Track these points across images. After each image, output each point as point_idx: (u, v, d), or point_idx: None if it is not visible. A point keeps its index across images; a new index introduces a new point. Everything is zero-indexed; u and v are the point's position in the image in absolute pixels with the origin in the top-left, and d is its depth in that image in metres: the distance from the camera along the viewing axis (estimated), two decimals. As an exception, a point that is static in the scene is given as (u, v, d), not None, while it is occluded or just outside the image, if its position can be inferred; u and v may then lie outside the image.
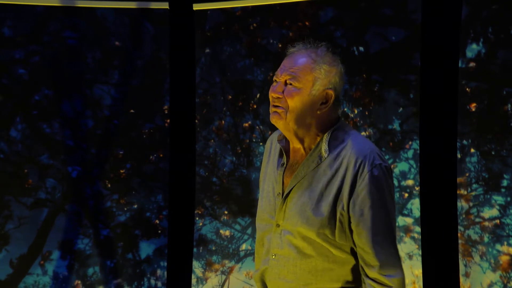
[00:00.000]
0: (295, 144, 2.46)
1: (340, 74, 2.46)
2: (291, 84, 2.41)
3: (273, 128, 4.52)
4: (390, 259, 2.35)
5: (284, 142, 2.50)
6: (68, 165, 4.79)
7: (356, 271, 2.40)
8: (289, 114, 2.40)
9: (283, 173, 2.46)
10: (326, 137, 2.42)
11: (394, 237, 2.38)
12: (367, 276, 2.36)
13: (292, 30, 4.60)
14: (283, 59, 2.48)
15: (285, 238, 2.40)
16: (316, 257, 2.37)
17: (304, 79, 2.41)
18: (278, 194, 2.44)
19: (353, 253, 2.40)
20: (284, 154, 2.47)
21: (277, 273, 2.42)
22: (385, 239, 2.35)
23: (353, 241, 2.38)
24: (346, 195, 2.35)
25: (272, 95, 2.43)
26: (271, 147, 2.57)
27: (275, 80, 2.45)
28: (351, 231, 2.37)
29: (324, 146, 2.41)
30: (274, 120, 2.42)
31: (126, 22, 4.83)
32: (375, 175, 2.35)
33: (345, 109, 4.45)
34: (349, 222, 2.36)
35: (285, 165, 2.46)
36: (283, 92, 2.41)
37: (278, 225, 2.42)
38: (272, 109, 2.43)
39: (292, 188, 2.41)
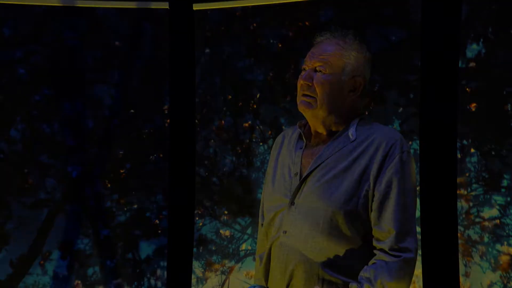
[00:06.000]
0: (318, 130, 2.49)
1: (369, 62, 2.49)
2: (320, 71, 2.43)
3: (273, 128, 4.51)
4: (408, 237, 2.36)
5: (304, 129, 2.52)
6: (68, 165, 4.79)
7: (361, 267, 2.39)
8: (319, 102, 2.42)
9: (302, 155, 2.47)
10: (352, 123, 2.46)
11: (414, 221, 2.40)
12: (381, 250, 2.36)
13: (292, 30, 4.60)
14: (311, 49, 2.49)
15: (300, 215, 2.40)
16: (327, 238, 2.37)
17: (335, 65, 2.43)
18: (295, 174, 2.45)
19: (366, 242, 2.40)
20: (304, 137, 2.50)
21: (287, 249, 2.42)
22: (406, 220, 2.36)
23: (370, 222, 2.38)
24: (373, 173, 2.37)
25: (301, 82, 2.45)
26: (284, 140, 2.58)
27: (304, 69, 2.47)
28: (371, 210, 2.38)
29: (351, 130, 2.44)
30: (302, 108, 2.44)
31: (126, 22, 4.83)
32: (404, 159, 2.39)
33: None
34: (372, 201, 2.38)
35: (303, 148, 2.48)
36: (312, 79, 2.43)
37: (292, 203, 2.42)
38: (300, 98, 2.44)
39: (315, 168, 2.42)
